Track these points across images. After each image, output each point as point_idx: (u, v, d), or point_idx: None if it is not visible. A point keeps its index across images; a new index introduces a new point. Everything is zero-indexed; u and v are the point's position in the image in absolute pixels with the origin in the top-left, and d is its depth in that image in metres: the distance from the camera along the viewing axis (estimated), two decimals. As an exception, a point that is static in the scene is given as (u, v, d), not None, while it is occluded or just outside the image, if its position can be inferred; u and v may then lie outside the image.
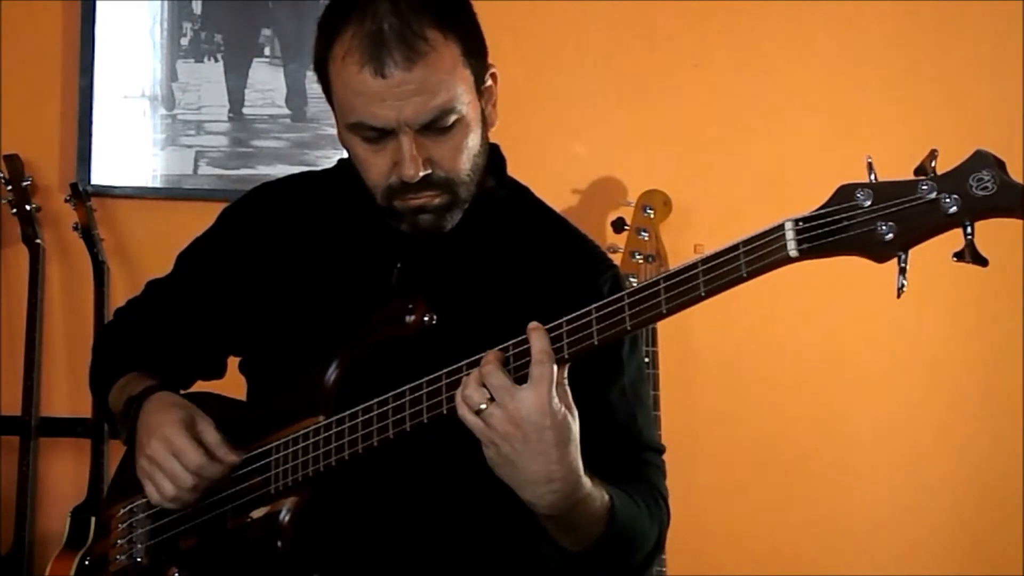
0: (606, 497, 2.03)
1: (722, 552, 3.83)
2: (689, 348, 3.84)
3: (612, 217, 3.74)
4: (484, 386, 1.90)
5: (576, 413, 1.93)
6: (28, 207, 3.79)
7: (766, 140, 3.89)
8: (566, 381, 1.93)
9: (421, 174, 2.06)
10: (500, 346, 1.93)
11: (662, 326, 3.61)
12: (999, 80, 3.86)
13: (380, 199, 2.13)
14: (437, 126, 2.06)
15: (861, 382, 3.90)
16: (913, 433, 3.89)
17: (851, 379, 3.90)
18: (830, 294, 3.83)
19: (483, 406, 1.90)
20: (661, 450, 2.26)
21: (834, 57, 3.91)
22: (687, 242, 3.52)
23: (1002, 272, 3.80)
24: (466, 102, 2.08)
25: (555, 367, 1.88)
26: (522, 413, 1.88)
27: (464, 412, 1.92)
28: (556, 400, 1.89)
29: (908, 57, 3.91)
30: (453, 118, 2.06)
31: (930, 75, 3.90)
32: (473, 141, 2.11)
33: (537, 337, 1.89)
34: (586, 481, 1.97)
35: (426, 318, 2.04)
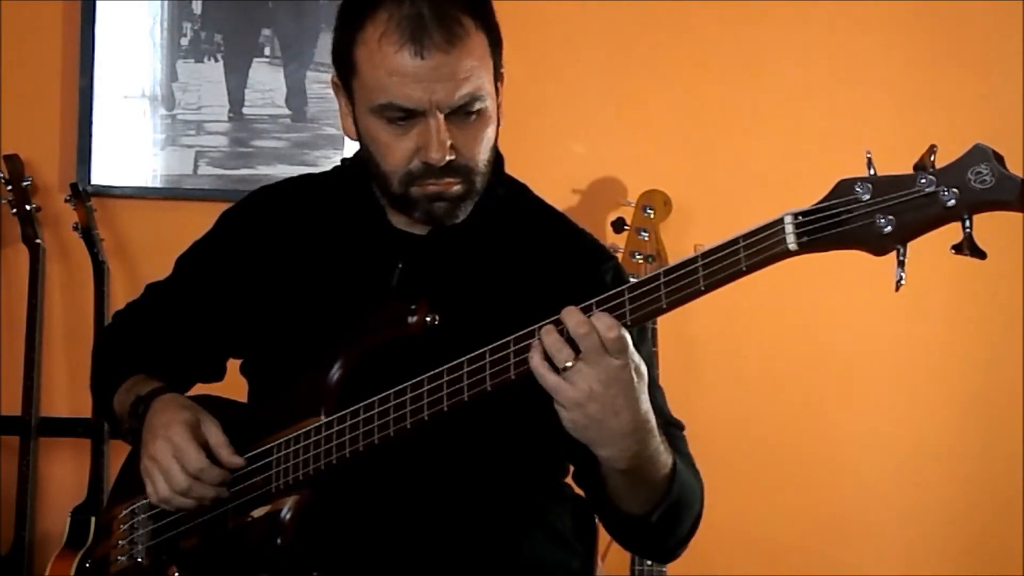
0: (671, 455, 2.06)
1: (722, 552, 3.82)
2: (689, 349, 3.84)
3: (612, 217, 3.74)
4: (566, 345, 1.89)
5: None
6: (28, 207, 3.79)
7: (766, 140, 3.90)
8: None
9: (448, 158, 2.08)
10: (552, 319, 1.92)
11: (662, 327, 3.61)
12: (999, 79, 3.86)
13: (397, 185, 2.14)
14: (465, 111, 2.09)
15: (862, 382, 3.90)
16: (914, 433, 3.89)
17: (852, 379, 3.90)
18: (831, 294, 3.83)
19: (569, 364, 1.89)
20: (682, 426, 2.29)
21: (834, 56, 3.91)
22: (687, 242, 3.52)
23: (1003, 272, 3.81)
24: (489, 92, 2.12)
25: (626, 332, 1.89)
26: (611, 371, 1.89)
27: (545, 371, 1.90)
28: (638, 356, 1.91)
29: (909, 57, 3.91)
30: (479, 106, 2.10)
31: (931, 75, 3.90)
32: (491, 133, 2.15)
33: (600, 318, 1.88)
34: (656, 432, 1.99)
35: (428, 318, 2.04)
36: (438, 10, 2.06)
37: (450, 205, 2.14)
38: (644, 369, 1.94)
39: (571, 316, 1.89)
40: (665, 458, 2.04)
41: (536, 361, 1.90)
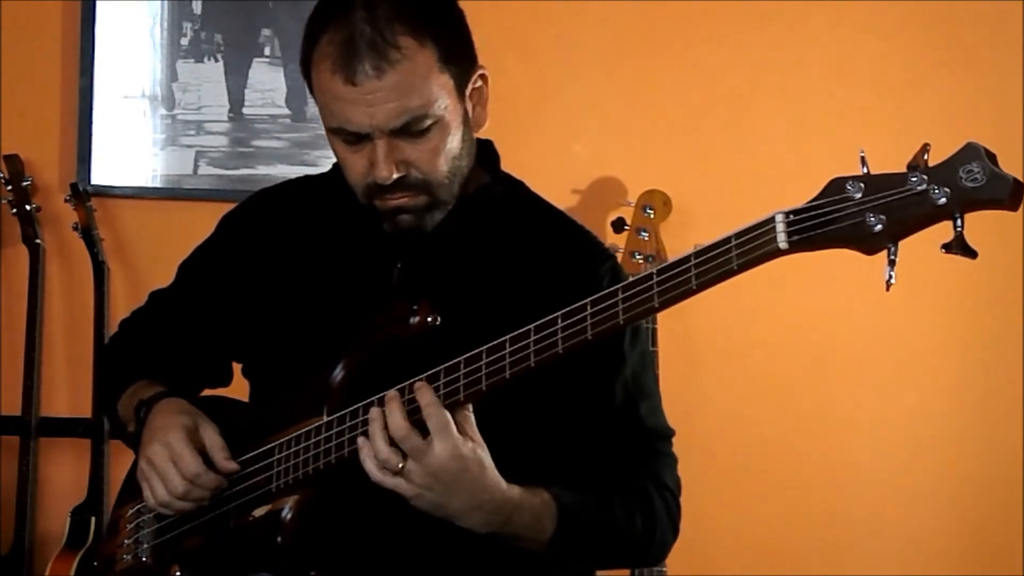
0: (545, 496, 2.09)
1: (722, 552, 3.83)
2: (690, 349, 3.84)
3: (612, 217, 3.74)
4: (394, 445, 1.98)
5: (481, 441, 2.00)
6: (28, 207, 3.79)
7: (766, 140, 3.89)
8: (470, 411, 2.00)
9: (395, 176, 2.09)
10: (398, 387, 2.00)
11: (663, 326, 3.61)
12: (999, 80, 3.86)
13: (362, 198, 2.16)
14: (412, 130, 2.08)
15: (862, 382, 3.90)
16: (913, 432, 3.89)
17: (852, 379, 3.90)
18: (831, 294, 3.83)
19: (401, 465, 1.97)
20: (668, 436, 2.28)
21: (834, 57, 3.91)
22: (687, 242, 3.48)
23: (1002, 272, 3.80)
24: (444, 106, 2.10)
25: (447, 413, 1.96)
26: (437, 466, 1.96)
27: (383, 477, 1.99)
28: (462, 442, 1.97)
29: (909, 58, 3.91)
30: (428, 122, 2.09)
31: (931, 76, 3.90)
32: (453, 143, 2.13)
33: (421, 392, 1.97)
34: (512, 491, 2.05)
35: (429, 319, 2.04)
36: (373, 34, 2.05)
37: (414, 217, 2.15)
38: (480, 453, 2.00)
39: (392, 417, 1.98)
40: (535, 510, 2.08)
41: (372, 469, 2.00)
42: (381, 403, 2.02)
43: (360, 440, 2.00)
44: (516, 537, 2.08)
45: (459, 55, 2.13)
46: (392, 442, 1.97)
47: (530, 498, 2.07)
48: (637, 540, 2.19)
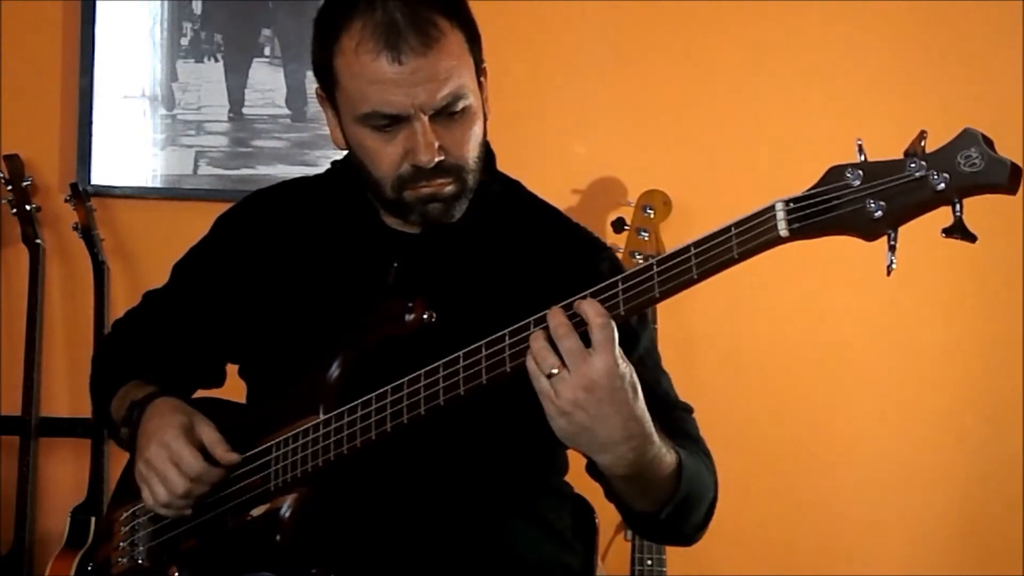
0: (674, 453, 2.03)
1: (722, 552, 3.82)
2: (689, 348, 3.84)
3: (612, 217, 3.74)
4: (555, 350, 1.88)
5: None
6: (28, 207, 3.78)
7: (766, 140, 3.89)
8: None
9: (436, 159, 2.09)
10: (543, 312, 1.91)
11: (663, 326, 3.60)
12: (1000, 80, 3.86)
13: (390, 191, 2.15)
14: (449, 111, 2.10)
15: (862, 381, 3.90)
16: (914, 433, 3.89)
17: (852, 378, 3.90)
18: (832, 293, 3.84)
19: (555, 371, 1.87)
20: (691, 409, 2.29)
21: (835, 57, 3.91)
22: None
23: (1003, 272, 3.81)
24: (472, 89, 2.13)
25: (614, 327, 1.86)
26: (593, 377, 1.86)
27: (536, 376, 1.89)
28: (623, 359, 1.88)
29: (911, 58, 3.91)
30: (462, 104, 2.11)
31: (933, 77, 3.90)
32: (478, 129, 2.16)
33: (589, 304, 1.87)
34: (656, 436, 1.97)
35: (425, 316, 2.04)
36: (411, 14, 2.07)
37: (444, 206, 2.15)
38: (636, 380, 1.90)
39: (553, 317, 1.88)
40: (668, 459, 2.01)
41: (531, 366, 1.89)
42: (379, 399, 2.03)
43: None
44: (647, 485, 2.01)
45: (477, 42, 2.16)
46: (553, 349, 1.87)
47: (668, 449, 2.01)
48: (709, 507, 2.16)
